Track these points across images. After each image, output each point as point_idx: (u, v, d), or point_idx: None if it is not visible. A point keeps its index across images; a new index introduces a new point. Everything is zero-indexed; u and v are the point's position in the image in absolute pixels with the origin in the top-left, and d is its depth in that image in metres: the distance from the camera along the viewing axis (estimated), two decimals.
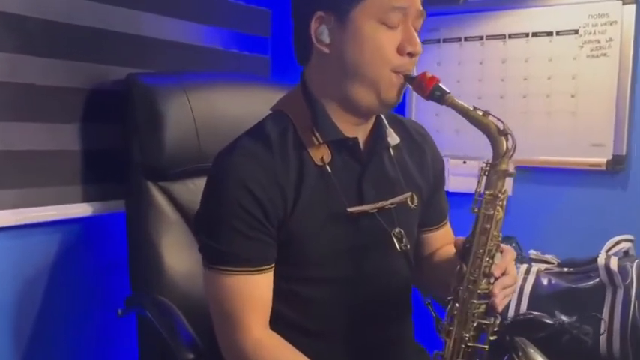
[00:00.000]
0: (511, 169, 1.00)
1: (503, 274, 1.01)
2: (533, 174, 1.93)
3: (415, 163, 1.21)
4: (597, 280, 1.67)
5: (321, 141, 1.07)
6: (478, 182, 1.01)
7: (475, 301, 0.99)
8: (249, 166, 1.03)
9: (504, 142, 0.99)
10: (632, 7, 1.88)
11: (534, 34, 2.02)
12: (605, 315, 1.61)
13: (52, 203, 1.51)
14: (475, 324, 0.99)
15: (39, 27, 1.46)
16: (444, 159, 1.33)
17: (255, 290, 1.05)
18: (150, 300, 1.40)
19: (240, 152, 1.05)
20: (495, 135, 0.99)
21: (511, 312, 1.70)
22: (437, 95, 1.03)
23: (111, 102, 1.60)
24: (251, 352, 1.03)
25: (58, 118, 1.52)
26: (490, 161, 1.01)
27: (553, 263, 1.84)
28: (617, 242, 1.75)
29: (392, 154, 1.17)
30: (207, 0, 1.92)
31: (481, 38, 2.11)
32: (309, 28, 1.05)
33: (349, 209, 1.07)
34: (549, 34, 2.00)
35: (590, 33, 1.93)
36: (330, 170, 1.07)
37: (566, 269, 1.78)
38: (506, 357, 0.99)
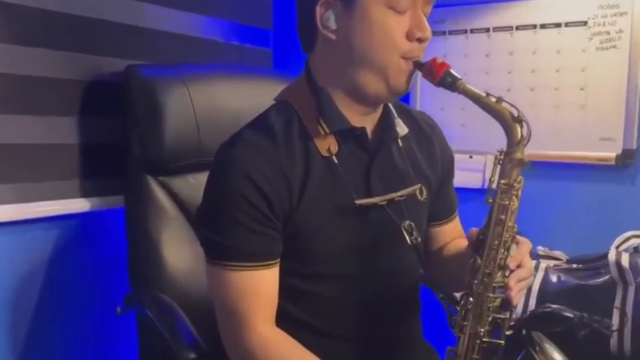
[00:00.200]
0: (526, 157, 0.97)
1: (518, 266, 0.98)
2: (540, 169, 1.92)
3: (424, 155, 1.19)
4: (608, 277, 1.66)
5: (328, 131, 1.05)
6: (492, 171, 0.99)
7: (490, 294, 0.97)
8: (253, 157, 1.01)
9: (519, 129, 0.97)
10: None
11: (542, 26, 2.00)
12: (615, 313, 1.60)
13: (48, 198, 1.50)
14: (490, 319, 0.97)
15: (35, 17, 1.45)
16: None
17: (260, 286, 1.02)
18: (150, 298, 1.39)
19: (243, 144, 1.03)
20: (510, 122, 0.97)
21: (519, 309, 1.68)
22: (448, 82, 1.00)
23: (109, 94, 1.59)
24: (257, 350, 1.01)
25: (55, 110, 1.51)
26: (504, 149, 0.98)
27: (562, 260, 1.85)
28: (628, 238, 1.75)
29: (400, 144, 1.15)
30: None
31: (488, 30, 2.09)
32: (315, 14, 1.03)
33: (357, 201, 1.05)
34: (558, 25, 1.98)
35: (599, 24, 1.91)
36: (336, 161, 1.05)
37: (575, 266, 1.78)
38: (523, 352, 0.95)
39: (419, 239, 1.12)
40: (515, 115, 0.97)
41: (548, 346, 0.99)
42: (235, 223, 1.00)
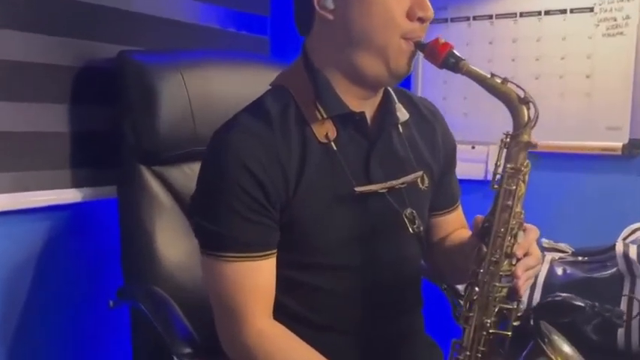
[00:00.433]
0: (533, 140, 0.95)
1: (525, 254, 0.95)
2: (545, 159, 1.89)
3: (425, 142, 1.17)
4: (615, 269, 1.64)
5: (325, 116, 1.02)
6: (497, 155, 0.96)
7: (497, 284, 0.94)
8: (248, 143, 0.98)
9: (525, 110, 0.94)
10: None
11: (547, 12, 1.98)
12: (622, 306, 1.58)
13: (39, 188, 1.47)
14: (496, 309, 0.94)
15: (25, 1, 1.41)
16: None
17: (257, 278, 1.00)
18: (143, 291, 1.37)
19: (238, 129, 1.00)
20: (516, 103, 0.94)
21: (524, 302, 1.66)
22: (451, 63, 0.98)
23: (101, 81, 1.56)
24: (253, 344, 0.99)
25: (45, 97, 1.48)
26: (510, 132, 0.95)
27: (567, 252, 1.85)
28: (635, 230, 1.73)
29: (400, 130, 1.12)
30: None
31: (491, 17, 2.07)
32: None
33: (357, 189, 1.02)
34: (563, 11, 1.95)
35: (606, 10, 1.88)
36: (335, 147, 1.02)
37: (580, 258, 1.76)
38: (531, 343, 0.92)
39: (421, 228, 1.09)
40: (522, 96, 0.94)
41: (556, 337, 0.96)
42: (230, 212, 0.97)
